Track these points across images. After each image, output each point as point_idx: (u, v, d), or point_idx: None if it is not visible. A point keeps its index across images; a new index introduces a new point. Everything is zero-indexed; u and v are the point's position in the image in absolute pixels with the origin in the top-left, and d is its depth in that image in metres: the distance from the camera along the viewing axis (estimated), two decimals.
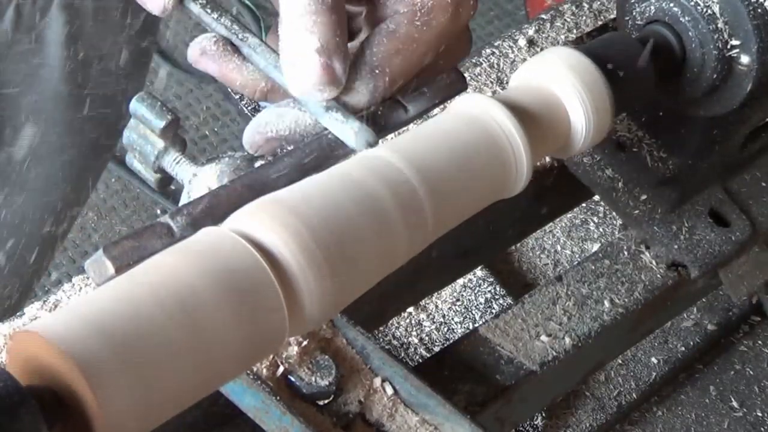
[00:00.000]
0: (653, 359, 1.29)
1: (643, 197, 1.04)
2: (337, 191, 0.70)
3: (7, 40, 1.25)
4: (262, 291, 0.64)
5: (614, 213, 1.27)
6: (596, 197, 1.17)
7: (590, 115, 0.83)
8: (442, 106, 0.85)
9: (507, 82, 1.13)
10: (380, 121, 0.81)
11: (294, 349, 0.85)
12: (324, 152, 0.80)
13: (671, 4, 0.89)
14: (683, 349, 1.30)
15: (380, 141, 1.05)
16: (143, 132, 0.88)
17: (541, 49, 1.17)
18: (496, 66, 1.16)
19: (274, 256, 0.65)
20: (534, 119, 0.81)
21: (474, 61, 1.16)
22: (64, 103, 1.32)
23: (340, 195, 0.70)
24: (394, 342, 1.29)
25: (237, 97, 1.01)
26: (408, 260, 0.74)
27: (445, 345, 1.04)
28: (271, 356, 0.85)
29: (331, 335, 0.87)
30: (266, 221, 0.66)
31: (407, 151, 0.75)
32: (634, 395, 1.27)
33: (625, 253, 1.07)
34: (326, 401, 0.86)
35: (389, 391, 0.87)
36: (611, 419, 1.26)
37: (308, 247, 0.66)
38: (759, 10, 0.86)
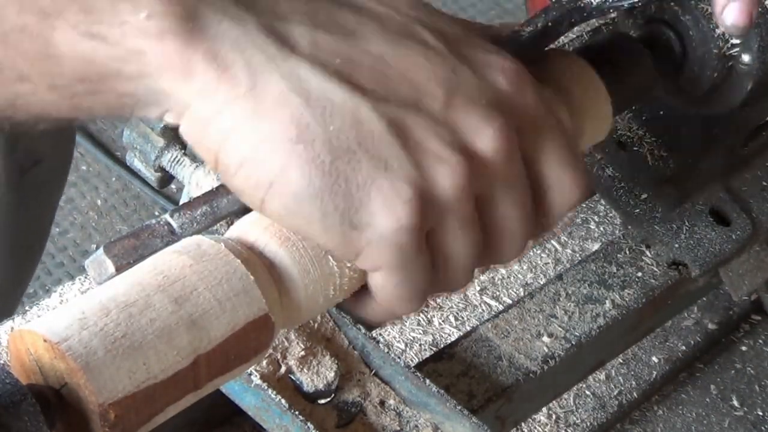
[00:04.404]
0: (654, 358, 1.29)
1: (644, 196, 1.04)
2: None
3: None
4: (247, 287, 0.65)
5: (615, 212, 1.26)
6: (597, 196, 1.17)
7: (591, 115, 0.82)
8: None
9: None
10: None
11: (295, 349, 0.85)
12: None
13: (672, 3, 0.89)
14: (684, 348, 1.30)
15: None
16: (144, 131, 0.88)
17: None
18: None
19: (264, 255, 0.67)
20: None
21: None
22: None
23: None
24: (395, 341, 1.29)
25: None
26: None
27: (446, 344, 1.04)
28: (273, 356, 0.85)
29: (331, 334, 0.87)
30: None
31: None
32: (635, 394, 1.26)
33: (626, 252, 1.07)
34: (327, 400, 0.86)
35: (389, 390, 0.87)
36: (612, 418, 1.26)
37: (289, 240, 0.68)
38: (759, 9, 0.86)
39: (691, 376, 1.30)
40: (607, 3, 0.79)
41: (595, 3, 0.80)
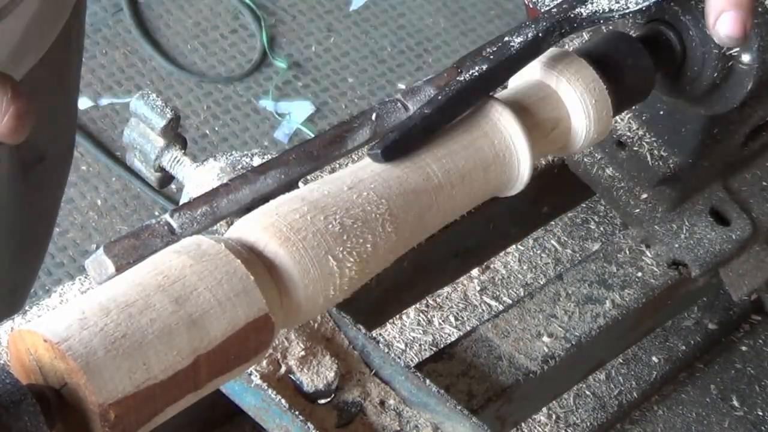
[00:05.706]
0: (654, 358, 1.29)
1: (644, 196, 1.04)
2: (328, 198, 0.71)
3: None
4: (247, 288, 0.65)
5: (615, 212, 1.26)
6: (597, 196, 1.17)
7: (590, 114, 0.82)
8: None
9: None
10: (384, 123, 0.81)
11: (295, 349, 0.85)
12: (319, 152, 0.80)
13: (672, 3, 0.89)
14: (684, 348, 1.30)
15: None
16: (144, 131, 0.88)
17: None
18: None
19: (264, 255, 0.67)
20: (535, 119, 0.81)
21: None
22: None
23: (329, 201, 0.71)
24: (395, 341, 1.29)
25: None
26: (402, 255, 0.75)
27: (446, 344, 1.04)
28: (273, 356, 0.85)
29: (332, 334, 0.87)
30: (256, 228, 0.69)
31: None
32: (635, 394, 1.27)
33: (626, 252, 1.07)
34: (327, 400, 0.86)
35: (389, 390, 0.87)
36: (612, 418, 1.26)
37: (288, 240, 0.67)
38: (759, 9, 0.86)
39: (691, 376, 1.30)
40: (598, 14, 0.79)
41: (585, 14, 0.80)
